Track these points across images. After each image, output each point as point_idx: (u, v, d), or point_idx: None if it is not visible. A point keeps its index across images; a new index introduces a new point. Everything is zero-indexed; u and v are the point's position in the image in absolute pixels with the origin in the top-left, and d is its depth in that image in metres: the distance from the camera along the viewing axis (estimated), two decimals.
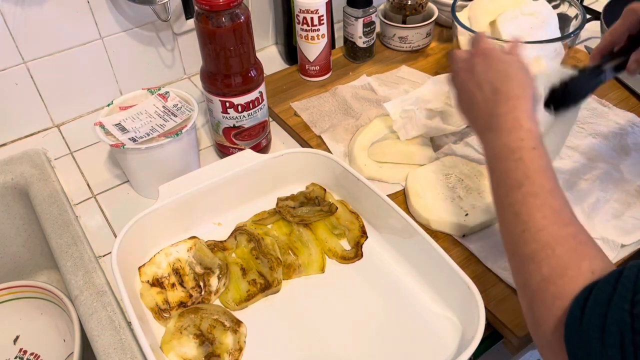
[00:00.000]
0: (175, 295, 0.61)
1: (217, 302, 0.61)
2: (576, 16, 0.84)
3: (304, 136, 0.80)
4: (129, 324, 0.59)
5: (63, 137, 0.85)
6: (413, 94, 0.77)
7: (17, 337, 0.82)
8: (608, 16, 0.93)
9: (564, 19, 1.04)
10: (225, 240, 0.66)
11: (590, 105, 0.82)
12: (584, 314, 0.37)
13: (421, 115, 0.73)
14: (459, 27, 0.86)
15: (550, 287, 0.41)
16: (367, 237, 0.66)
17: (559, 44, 0.80)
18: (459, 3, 0.90)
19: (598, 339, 0.35)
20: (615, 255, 0.60)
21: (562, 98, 0.57)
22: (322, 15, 0.84)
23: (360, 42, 0.92)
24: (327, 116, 0.82)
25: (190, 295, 0.61)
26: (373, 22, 0.91)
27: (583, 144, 0.75)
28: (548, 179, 0.45)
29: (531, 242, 0.43)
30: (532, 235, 0.43)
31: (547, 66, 0.75)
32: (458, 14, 0.88)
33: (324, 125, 0.80)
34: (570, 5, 0.85)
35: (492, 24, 0.81)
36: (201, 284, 0.62)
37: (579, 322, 0.37)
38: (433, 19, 0.94)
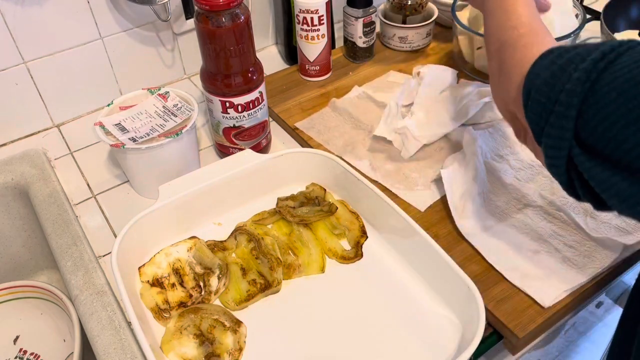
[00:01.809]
0: (175, 295, 0.61)
1: (217, 302, 0.61)
2: (576, 16, 0.83)
3: (304, 136, 0.80)
4: (129, 324, 0.59)
5: (63, 137, 0.85)
6: (389, 109, 0.77)
7: (17, 337, 0.82)
8: (608, 16, 0.93)
9: None
10: (225, 240, 0.66)
11: None
12: (539, 65, 0.45)
13: (413, 128, 0.73)
14: (458, 27, 0.86)
15: (520, 52, 0.50)
16: (367, 237, 0.66)
17: None
18: (458, 3, 0.90)
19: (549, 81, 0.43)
20: (618, 256, 0.60)
21: None
22: (322, 15, 0.84)
23: (360, 42, 0.92)
24: (336, 131, 0.79)
25: (190, 295, 0.61)
26: (373, 22, 0.91)
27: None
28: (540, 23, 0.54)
29: (517, 22, 0.53)
30: (519, 20, 0.53)
31: None
32: (458, 14, 0.88)
33: (338, 143, 0.77)
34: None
35: None
36: (201, 284, 0.62)
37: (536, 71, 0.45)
38: (433, 19, 0.94)
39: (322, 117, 0.82)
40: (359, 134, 0.79)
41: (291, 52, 0.95)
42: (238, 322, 0.58)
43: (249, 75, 0.70)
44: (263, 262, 0.63)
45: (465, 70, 0.91)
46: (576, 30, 0.81)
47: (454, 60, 0.93)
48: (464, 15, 0.89)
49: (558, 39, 0.80)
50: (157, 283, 0.61)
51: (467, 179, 0.67)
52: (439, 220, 0.67)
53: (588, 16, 1.02)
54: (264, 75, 0.73)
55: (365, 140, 0.78)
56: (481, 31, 0.86)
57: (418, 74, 0.82)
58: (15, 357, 0.81)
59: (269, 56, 1.00)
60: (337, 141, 0.78)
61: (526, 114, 0.46)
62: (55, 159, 0.81)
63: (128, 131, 0.68)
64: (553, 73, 0.43)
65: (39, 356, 0.81)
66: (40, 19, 0.76)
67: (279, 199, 0.70)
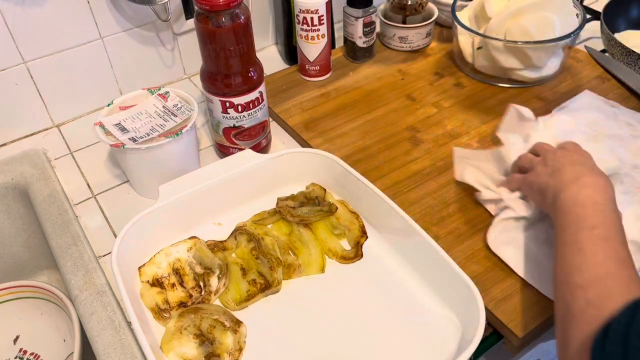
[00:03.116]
0: (175, 295, 0.61)
1: (217, 302, 0.61)
2: (576, 16, 0.83)
3: (304, 136, 0.80)
4: (129, 324, 0.59)
5: (63, 137, 0.85)
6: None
7: (17, 337, 0.82)
8: (608, 16, 0.93)
9: None
10: (225, 240, 0.66)
11: (600, 106, 0.79)
12: (608, 337, 0.39)
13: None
14: (459, 27, 0.86)
15: (591, 310, 0.43)
16: (367, 237, 0.66)
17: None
18: (458, 3, 0.90)
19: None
20: None
21: None
22: (322, 15, 0.84)
23: (360, 42, 0.92)
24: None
25: (190, 295, 0.61)
26: (373, 22, 0.91)
27: (599, 147, 0.69)
28: (621, 234, 0.49)
29: (587, 271, 0.46)
30: (589, 267, 0.46)
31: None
32: (458, 14, 0.88)
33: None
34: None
35: (514, 16, 0.80)
36: (201, 284, 0.62)
37: (602, 346, 0.39)
38: (433, 19, 0.94)
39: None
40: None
41: (291, 52, 0.95)
42: (238, 322, 0.58)
43: (249, 75, 0.70)
44: (263, 262, 0.63)
45: (466, 70, 0.91)
46: (576, 30, 0.81)
47: (454, 60, 0.93)
48: (464, 15, 0.89)
49: (559, 39, 0.80)
50: (157, 283, 0.61)
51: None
52: (439, 220, 0.67)
53: (588, 16, 1.02)
54: (264, 75, 0.73)
55: None
56: (481, 30, 0.86)
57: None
58: (15, 357, 0.81)
59: (269, 56, 1.00)
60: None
61: None
62: (55, 159, 0.81)
63: (128, 131, 0.68)
64: None
65: (39, 356, 0.81)
66: (40, 19, 0.76)
67: (279, 199, 0.70)
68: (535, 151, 0.64)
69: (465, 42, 0.88)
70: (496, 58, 0.84)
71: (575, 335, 0.43)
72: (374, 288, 0.61)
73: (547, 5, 0.79)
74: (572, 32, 0.80)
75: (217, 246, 0.65)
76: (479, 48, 0.85)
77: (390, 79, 0.91)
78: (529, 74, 0.85)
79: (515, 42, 0.80)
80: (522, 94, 0.86)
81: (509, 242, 0.62)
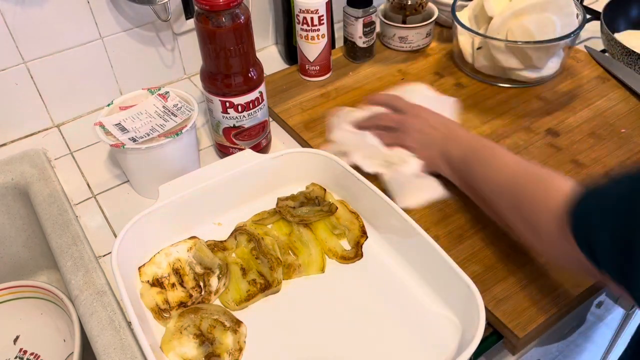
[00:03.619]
0: (175, 295, 0.61)
1: (217, 302, 0.61)
2: (576, 16, 0.83)
3: (304, 136, 0.80)
4: (129, 324, 0.59)
5: (63, 137, 0.85)
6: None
7: (17, 337, 0.82)
8: (608, 16, 0.93)
9: None
10: (225, 240, 0.66)
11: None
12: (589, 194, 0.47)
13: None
14: (459, 27, 0.86)
15: (537, 194, 0.52)
16: (367, 237, 0.66)
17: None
18: (458, 3, 0.90)
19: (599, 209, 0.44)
20: None
21: None
22: (322, 15, 0.84)
23: (360, 42, 0.92)
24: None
25: (190, 295, 0.61)
26: (373, 22, 0.91)
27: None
28: (506, 152, 0.61)
29: (512, 179, 0.56)
30: (509, 175, 0.57)
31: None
32: (458, 14, 0.88)
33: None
34: None
35: (516, 17, 0.81)
36: (201, 284, 0.62)
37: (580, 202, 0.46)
38: (433, 19, 0.94)
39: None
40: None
41: (291, 52, 0.95)
42: (238, 322, 0.58)
43: (249, 75, 0.70)
44: (263, 262, 0.63)
45: (466, 70, 0.91)
46: (576, 30, 0.81)
47: (454, 60, 0.93)
48: (464, 15, 0.89)
49: (559, 39, 0.80)
50: (157, 283, 0.61)
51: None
52: (439, 220, 0.67)
53: (588, 16, 1.02)
54: (264, 75, 0.73)
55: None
56: (481, 30, 0.86)
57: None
58: (15, 357, 0.81)
59: (269, 56, 1.00)
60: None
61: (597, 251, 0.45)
62: (55, 159, 0.81)
63: (128, 131, 0.68)
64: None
65: (39, 356, 0.81)
66: (40, 19, 0.76)
67: (279, 199, 0.70)
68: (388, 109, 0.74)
69: (465, 42, 0.88)
70: (497, 58, 0.84)
71: (540, 218, 0.51)
72: (374, 288, 0.61)
73: (548, 6, 0.79)
74: (572, 32, 0.80)
75: (217, 246, 0.65)
76: (479, 48, 0.85)
77: (390, 79, 0.91)
78: (529, 74, 0.85)
79: (517, 42, 0.80)
80: (522, 94, 0.86)
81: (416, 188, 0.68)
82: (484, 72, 0.88)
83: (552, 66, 0.85)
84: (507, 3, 0.83)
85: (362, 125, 0.73)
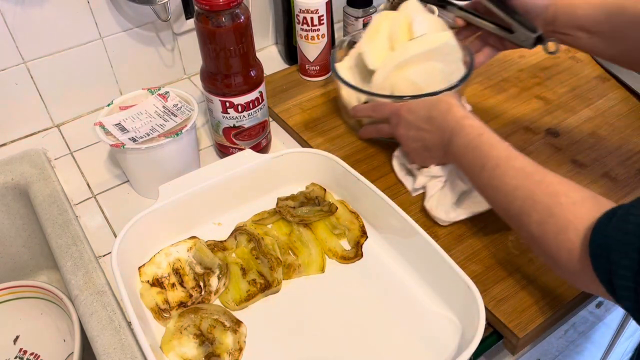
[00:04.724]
0: (175, 295, 0.61)
1: (217, 302, 0.61)
2: (463, 63, 0.75)
3: (304, 136, 0.80)
4: (129, 324, 0.59)
5: (63, 137, 0.85)
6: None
7: (17, 337, 0.82)
8: None
9: None
10: (225, 240, 0.66)
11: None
12: (609, 226, 0.43)
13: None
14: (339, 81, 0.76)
15: (547, 226, 0.48)
16: (367, 237, 0.66)
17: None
18: (339, 49, 0.80)
19: (620, 242, 0.41)
20: None
21: None
22: (322, 15, 0.84)
23: None
24: None
25: (190, 295, 0.61)
26: None
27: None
28: (501, 149, 0.56)
29: (514, 201, 0.52)
30: (511, 195, 0.52)
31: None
32: (338, 65, 0.78)
33: None
34: None
35: (399, 69, 0.72)
36: (201, 284, 0.62)
37: (604, 233, 0.43)
38: None
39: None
40: None
41: (291, 52, 0.95)
42: (238, 322, 0.58)
43: (249, 75, 0.70)
44: (263, 262, 0.63)
45: (353, 125, 0.81)
46: (464, 77, 0.72)
47: (340, 113, 0.84)
48: (344, 66, 0.79)
49: (448, 89, 0.70)
50: (157, 283, 0.61)
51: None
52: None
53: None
54: (264, 75, 0.73)
55: None
56: (364, 82, 0.77)
57: None
58: (15, 357, 0.81)
59: (269, 56, 1.00)
60: None
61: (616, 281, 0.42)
62: (55, 159, 0.81)
63: (128, 131, 0.68)
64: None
65: (39, 356, 0.81)
66: (40, 19, 0.76)
67: (279, 199, 0.70)
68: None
69: (350, 96, 0.77)
70: None
71: (554, 250, 0.48)
72: (374, 288, 0.61)
73: (432, 55, 0.71)
74: (460, 80, 0.72)
75: (217, 246, 0.65)
76: (365, 102, 0.75)
77: None
78: None
79: (404, 97, 0.70)
80: (521, 94, 0.86)
81: (450, 204, 0.65)
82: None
83: None
84: (388, 53, 0.74)
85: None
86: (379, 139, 0.78)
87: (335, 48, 0.80)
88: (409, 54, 0.71)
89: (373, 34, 0.76)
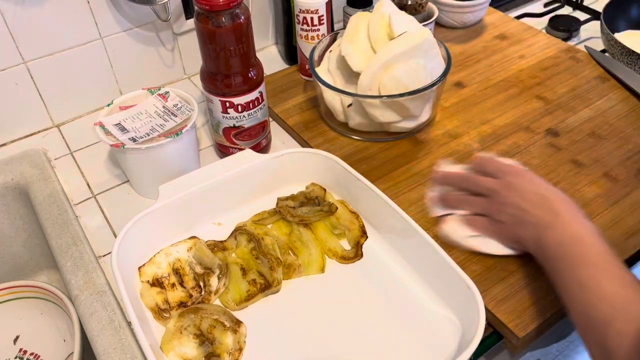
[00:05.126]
0: (175, 295, 0.61)
1: (217, 302, 0.61)
2: (442, 57, 0.78)
3: (304, 136, 0.80)
4: (129, 324, 0.59)
5: (63, 137, 0.85)
6: None
7: (17, 337, 0.82)
8: (608, 16, 0.93)
9: (570, 21, 1.03)
10: (225, 240, 0.66)
11: None
12: None
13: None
14: (321, 85, 0.76)
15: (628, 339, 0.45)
16: (367, 237, 0.66)
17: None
18: (317, 51, 0.80)
19: None
20: None
21: None
22: (322, 15, 0.84)
23: None
24: None
25: (190, 295, 0.61)
26: None
27: None
28: (608, 256, 0.51)
29: (602, 305, 0.48)
30: (601, 300, 0.48)
31: None
32: (318, 69, 0.79)
33: None
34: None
35: (385, 69, 0.72)
36: (201, 284, 0.62)
37: None
38: (433, 19, 0.94)
39: None
40: None
41: (291, 52, 0.95)
42: (238, 322, 0.58)
43: (249, 75, 0.70)
44: (263, 262, 0.63)
45: (339, 129, 0.81)
46: (445, 70, 0.75)
47: (323, 119, 0.83)
48: (323, 68, 0.79)
49: (433, 84, 0.73)
50: (157, 283, 0.61)
51: None
52: (439, 220, 0.67)
53: (588, 16, 1.01)
54: (264, 75, 0.73)
55: None
56: (348, 85, 0.77)
57: None
58: (15, 357, 0.81)
59: (269, 56, 1.00)
60: None
61: None
62: (55, 159, 0.81)
63: (128, 131, 0.68)
64: None
65: (39, 356, 0.81)
66: (40, 19, 0.76)
67: (279, 199, 0.70)
68: (484, 170, 0.64)
69: (333, 100, 0.78)
70: (372, 114, 0.75)
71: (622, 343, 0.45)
72: (374, 288, 0.61)
73: (415, 52, 0.72)
74: (442, 75, 0.74)
75: (217, 246, 0.65)
76: (349, 105, 0.76)
77: None
78: (408, 124, 0.77)
79: (392, 96, 0.72)
80: (522, 94, 0.86)
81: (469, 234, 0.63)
82: (359, 130, 0.79)
83: (427, 111, 0.79)
84: (372, 55, 0.74)
85: (446, 182, 0.66)
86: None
87: (312, 54, 0.80)
88: (393, 53, 0.71)
89: (352, 35, 0.76)
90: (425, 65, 0.73)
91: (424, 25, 0.93)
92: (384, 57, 0.72)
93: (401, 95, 0.71)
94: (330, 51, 0.80)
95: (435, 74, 0.74)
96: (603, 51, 0.93)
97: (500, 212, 0.60)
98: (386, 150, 0.77)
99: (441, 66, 0.77)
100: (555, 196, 0.57)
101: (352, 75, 0.76)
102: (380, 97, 0.72)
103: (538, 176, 0.61)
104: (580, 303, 0.50)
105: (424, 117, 0.79)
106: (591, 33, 1.00)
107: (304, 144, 0.80)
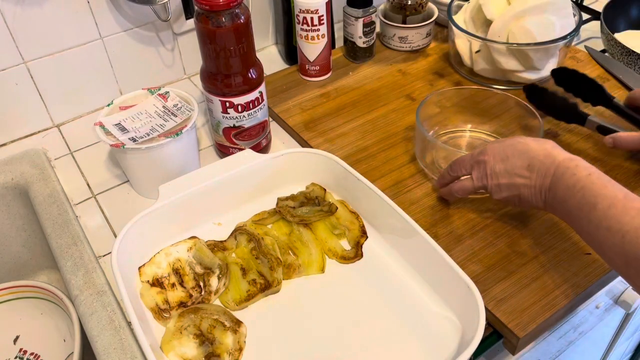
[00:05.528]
0: (175, 295, 0.61)
1: (217, 302, 0.61)
2: (573, 16, 0.84)
3: (304, 136, 0.80)
4: (129, 324, 0.59)
5: (63, 137, 0.85)
6: None
7: (17, 337, 0.82)
8: (608, 16, 0.93)
9: None
10: (225, 240, 0.66)
11: None
12: None
13: None
14: (455, 30, 0.86)
15: None
16: (367, 237, 0.66)
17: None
18: (455, 3, 0.90)
19: None
20: None
21: (533, 94, 0.78)
22: (322, 15, 0.84)
23: (360, 42, 0.92)
24: None
25: (190, 295, 0.61)
26: (373, 22, 0.91)
27: None
28: (615, 189, 0.51)
29: (636, 241, 0.48)
30: (631, 235, 0.48)
31: None
32: (455, 17, 0.88)
33: None
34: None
35: (516, 19, 0.80)
36: (201, 284, 0.62)
37: None
38: (433, 19, 0.94)
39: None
40: None
41: (291, 52, 0.95)
42: (238, 322, 0.58)
43: (249, 75, 0.70)
44: (263, 262, 0.63)
45: (463, 73, 0.91)
46: (574, 30, 0.81)
47: (450, 62, 0.93)
48: (459, 18, 0.89)
49: (559, 40, 0.80)
50: (157, 283, 0.61)
51: None
52: (439, 220, 0.67)
53: (588, 16, 1.02)
54: (264, 75, 0.73)
55: None
56: (479, 32, 0.86)
57: None
58: (15, 357, 0.81)
59: (269, 56, 1.00)
60: None
61: None
62: (55, 159, 0.81)
63: (128, 131, 0.68)
64: None
65: (39, 356, 0.81)
66: (40, 19, 0.76)
67: (279, 199, 0.70)
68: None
69: (463, 45, 0.88)
70: (497, 60, 0.84)
71: None
72: (374, 288, 0.61)
73: (547, 7, 0.80)
74: (571, 33, 0.81)
75: (217, 246, 0.65)
76: (477, 51, 0.85)
77: (390, 79, 0.91)
78: (529, 76, 0.85)
79: (519, 44, 0.81)
80: (522, 94, 0.86)
81: None
82: (483, 76, 0.88)
83: (550, 67, 0.85)
84: (506, 5, 0.83)
85: (443, 182, 0.68)
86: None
87: (451, 3, 0.89)
88: (527, 5, 0.79)
89: None
90: (555, 23, 0.80)
91: (423, 25, 0.93)
92: (518, 8, 0.80)
93: (527, 44, 0.80)
94: (468, 2, 0.89)
95: (565, 32, 0.81)
96: (603, 51, 0.93)
97: (500, 190, 0.61)
98: (386, 150, 0.77)
99: (571, 26, 0.82)
100: (532, 157, 0.58)
101: (485, 25, 0.85)
102: (507, 43, 0.81)
103: (493, 143, 0.62)
104: (614, 246, 0.50)
105: (546, 71, 0.84)
106: (591, 33, 1.00)
107: (304, 144, 0.80)
